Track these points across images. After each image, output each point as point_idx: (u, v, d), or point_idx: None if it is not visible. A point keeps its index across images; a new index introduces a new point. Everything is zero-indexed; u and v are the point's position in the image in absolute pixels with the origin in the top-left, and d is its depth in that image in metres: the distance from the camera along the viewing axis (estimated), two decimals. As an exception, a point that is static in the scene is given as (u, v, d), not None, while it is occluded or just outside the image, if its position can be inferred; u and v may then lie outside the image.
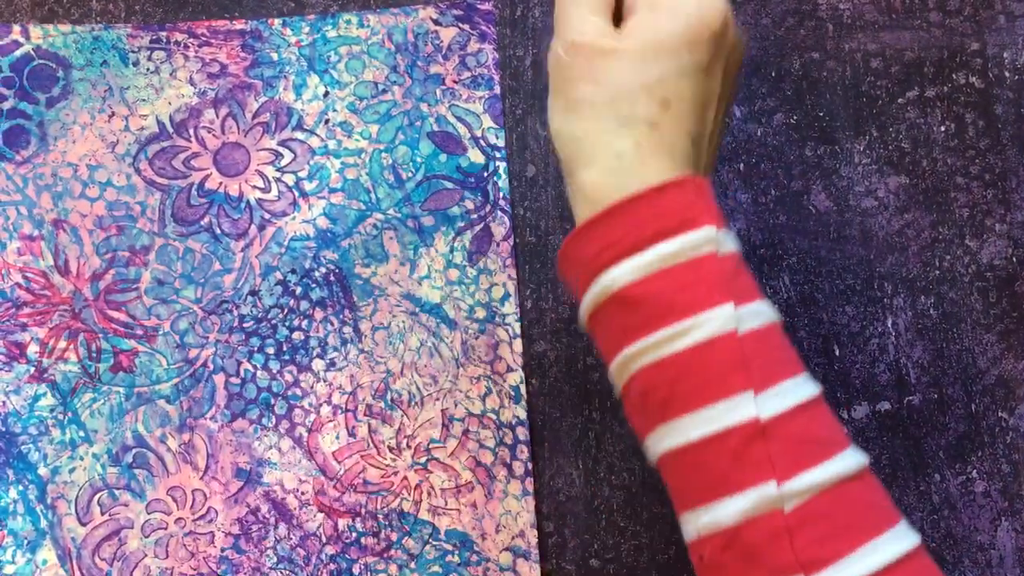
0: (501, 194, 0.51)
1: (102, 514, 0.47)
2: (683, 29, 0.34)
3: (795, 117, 0.52)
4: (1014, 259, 0.51)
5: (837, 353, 0.50)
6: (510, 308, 0.50)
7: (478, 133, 0.51)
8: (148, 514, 0.47)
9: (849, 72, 0.52)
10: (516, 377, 0.49)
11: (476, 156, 0.51)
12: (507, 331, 0.49)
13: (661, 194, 0.34)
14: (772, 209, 0.51)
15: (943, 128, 0.52)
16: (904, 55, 0.53)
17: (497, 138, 0.51)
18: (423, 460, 0.48)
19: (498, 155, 0.51)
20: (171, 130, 0.51)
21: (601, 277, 0.34)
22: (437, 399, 0.49)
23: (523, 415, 0.48)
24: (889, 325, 0.50)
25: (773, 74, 0.52)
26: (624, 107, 0.34)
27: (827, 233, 0.51)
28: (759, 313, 0.34)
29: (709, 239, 0.33)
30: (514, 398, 0.49)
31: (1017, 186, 0.51)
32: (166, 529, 0.47)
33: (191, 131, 0.51)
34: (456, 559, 0.47)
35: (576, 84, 0.35)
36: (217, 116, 0.51)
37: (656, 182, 0.34)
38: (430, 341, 0.49)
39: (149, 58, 0.51)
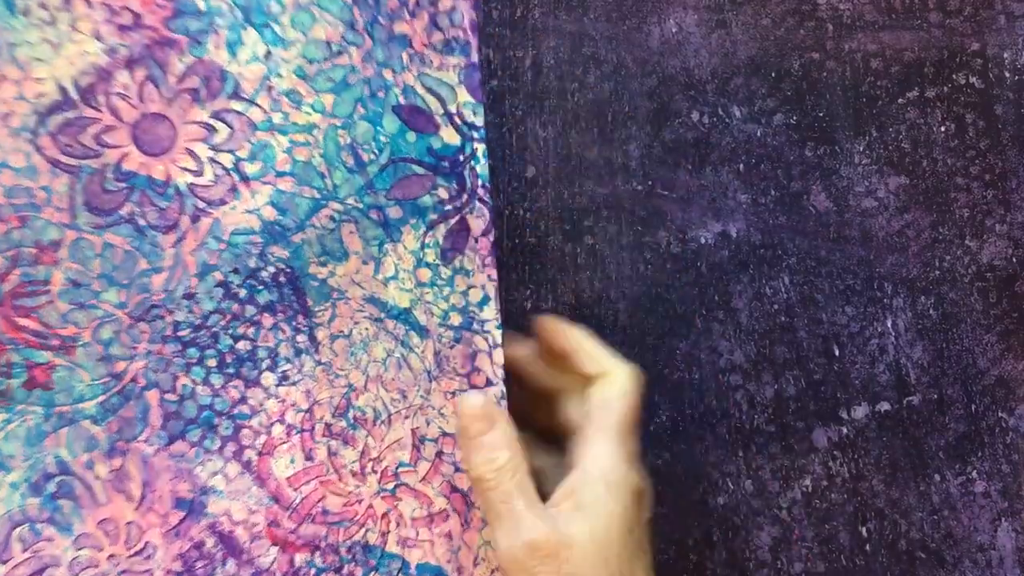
0: (480, 182, 0.43)
1: (23, 551, 0.41)
2: (624, 508, 0.38)
3: (795, 117, 0.52)
4: (1014, 259, 0.51)
5: (837, 353, 0.50)
6: (490, 313, 0.43)
7: (452, 108, 0.43)
8: (76, 550, 0.41)
9: (849, 72, 0.52)
10: (497, 391, 0.43)
11: (450, 136, 0.43)
12: (486, 340, 0.43)
13: None
14: (772, 209, 0.51)
15: (943, 128, 0.52)
16: (904, 55, 0.53)
17: (475, 115, 0.43)
18: (391, 486, 0.42)
19: (476, 135, 0.44)
20: (76, 97, 0.41)
21: None
22: (407, 417, 0.43)
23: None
24: (889, 325, 0.50)
25: (773, 74, 0.52)
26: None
27: (827, 233, 0.51)
28: None
29: None
30: None
31: (1017, 186, 0.51)
32: (97, 567, 0.41)
33: (101, 99, 0.42)
34: None
35: None
36: (133, 80, 0.42)
37: None
38: (398, 351, 0.43)
39: (42, 5, 0.41)
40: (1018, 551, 0.48)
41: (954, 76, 0.53)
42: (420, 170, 0.43)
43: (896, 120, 0.52)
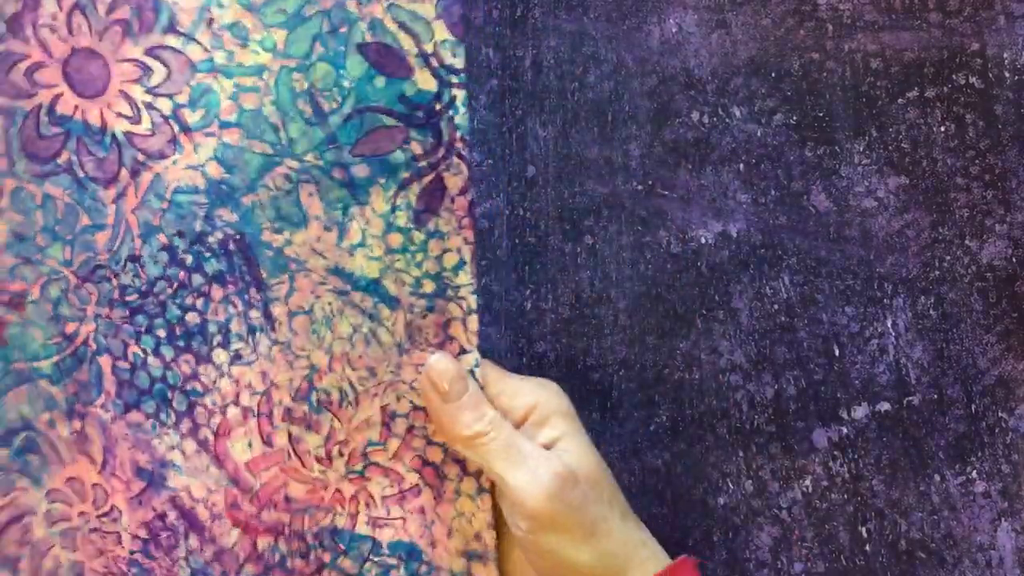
0: (458, 134, 0.38)
1: (3, 495, 0.40)
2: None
3: (795, 117, 0.52)
4: (1014, 259, 0.51)
5: (837, 353, 0.50)
6: (465, 278, 0.39)
7: (428, 48, 0.37)
8: (49, 503, 0.40)
9: (849, 72, 0.52)
10: (471, 359, 0.40)
11: (425, 80, 0.37)
12: (460, 306, 0.39)
13: None
14: (772, 209, 0.51)
15: (943, 128, 0.52)
16: (904, 55, 0.53)
17: (455, 56, 0.38)
18: (359, 467, 0.39)
19: (455, 80, 0.38)
20: (3, 30, 0.38)
21: None
22: (376, 395, 0.39)
23: None
24: (889, 325, 0.50)
25: (773, 75, 0.52)
26: (618, 505, 0.39)
27: (827, 233, 0.51)
28: None
29: None
30: None
31: (1017, 186, 0.51)
32: (70, 521, 0.40)
33: (29, 30, 0.37)
34: (402, 573, 0.40)
35: (583, 512, 0.37)
36: (60, 8, 0.37)
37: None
38: (366, 326, 0.39)
39: None
40: (1018, 551, 0.48)
41: (954, 76, 0.53)
42: (390, 121, 0.38)
43: (896, 120, 0.52)
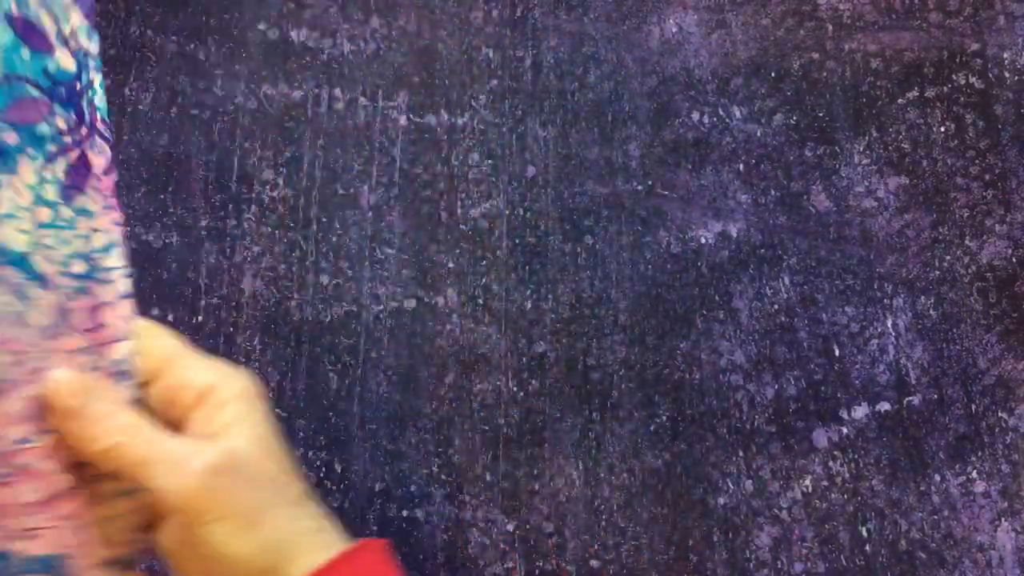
0: (99, 116, 0.38)
1: None
2: (260, 411, 0.37)
3: (795, 117, 0.52)
4: (1014, 259, 0.51)
5: (837, 353, 0.50)
6: (115, 260, 0.37)
7: (67, 30, 0.37)
8: None
9: (849, 73, 0.52)
10: (123, 349, 0.37)
11: (66, 60, 0.37)
12: (111, 290, 0.37)
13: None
14: (772, 209, 0.51)
15: (943, 128, 0.52)
16: (904, 55, 0.53)
17: (90, 41, 0.37)
18: (5, 472, 0.34)
19: (92, 64, 0.38)
20: None
21: None
22: (25, 384, 0.35)
23: (137, 395, 0.37)
24: (889, 325, 0.50)
25: (773, 75, 0.52)
26: (291, 491, 0.36)
27: (827, 233, 0.51)
28: None
29: None
30: (122, 376, 0.37)
31: (1017, 186, 0.51)
32: None
33: None
34: None
35: (242, 498, 0.35)
36: None
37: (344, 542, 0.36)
38: (15, 305, 0.35)
39: None
40: (1018, 551, 0.48)
41: (954, 76, 0.52)
42: (36, 93, 0.36)
43: (896, 120, 0.52)
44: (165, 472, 0.34)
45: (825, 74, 0.52)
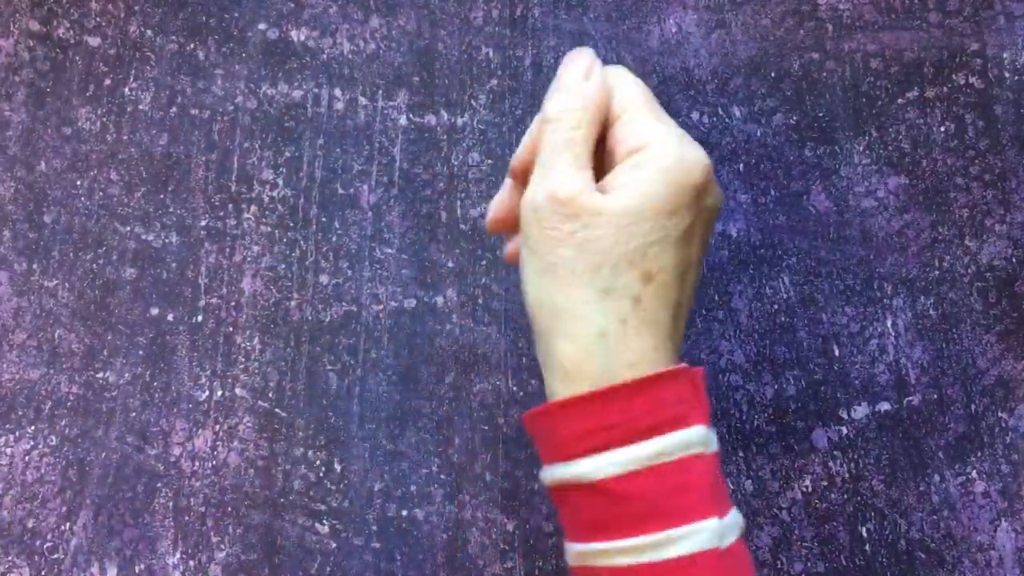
0: None
1: None
2: (669, 192, 0.33)
3: (795, 117, 0.52)
4: (1014, 259, 0.51)
5: (837, 353, 0.50)
6: None
7: None
8: None
9: (849, 72, 0.52)
10: None
11: None
12: None
13: (656, 386, 0.32)
14: (772, 209, 0.51)
15: (943, 128, 0.52)
16: (904, 55, 0.53)
17: None
18: None
19: None
20: None
21: (579, 463, 0.32)
22: None
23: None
24: (889, 325, 0.50)
25: (773, 74, 0.52)
26: (607, 278, 0.32)
27: (827, 233, 0.51)
28: (736, 525, 0.33)
29: (700, 439, 0.32)
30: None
31: (1017, 186, 0.51)
32: None
33: None
34: None
35: (556, 246, 0.33)
36: None
37: (643, 365, 0.32)
38: None
39: None
40: (1018, 551, 0.48)
41: (954, 76, 0.52)
42: None
43: (896, 120, 0.52)
44: (537, 177, 0.34)
45: (825, 74, 0.52)
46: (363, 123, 0.53)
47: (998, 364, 0.50)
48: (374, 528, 0.49)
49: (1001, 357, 0.50)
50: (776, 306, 0.50)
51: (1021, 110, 0.52)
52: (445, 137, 0.52)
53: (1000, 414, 0.49)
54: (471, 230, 0.51)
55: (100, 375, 0.51)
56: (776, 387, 0.50)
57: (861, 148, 0.52)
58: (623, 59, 0.52)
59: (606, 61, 0.52)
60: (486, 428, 0.50)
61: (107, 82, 0.53)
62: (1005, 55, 0.53)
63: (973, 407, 0.49)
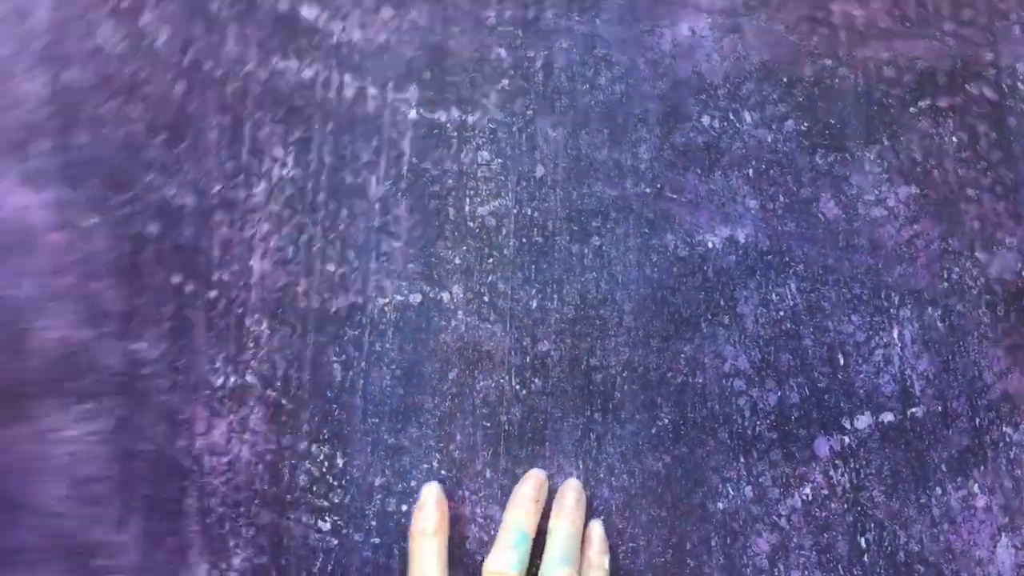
0: None
1: None
2: None
3: (806, 124, 0.52)
4: (1023, 273, 0.50)
5: (842, 362, 0.50)
6: None
7: None
8: None
9: (861, 80, 0.52)
10: None
11: None
12: None
13: None
14: (780, 216, 0.51)
15: (955, 139, 0.52)
16: (917, 64, 0.52)
17: None
18: None
19: None
20: None
21: None
22: None
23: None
24: (895, 336, 0.50)
25: (785, 80, 0.52)
26: None
27: (835, 241, 0.51)
28: None
29: None
30: None
31: (1028, 199, 0.51)
32: None
33: None
34: None
35: None
36: None
37: None
38: None
39: None
40: (1017, 567, 0.48)
41: (967, 86, 0.52)
42: None
43: (908, 129, 0.52)
44: None
45: (838, 81, 0.52)
46: (372, 113, 0.53)
47: (1004, 379, 0.49)
48: (373, 523, 0.49)
49: (1008, 371, 0.49)
50: (782, 313, 0.50)
51: (1036, 123, 0.52)
52: (455, 134, 0.53)
53: (1005, 429, 0.49)
54: (479, 228, 0.52)
55: (134, 347, 0.51)
56: (780, 394, 0.50)
57: (872, 156, 0.51)
58: (635, 62, 0.52)
59: (618, 64, 0.52)
60: (488, 425, 0.50)
61: (124, 3, 0.54)
62: (1019, 67, 0.52)
63: (977, 421, 0.49)
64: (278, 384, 0.51)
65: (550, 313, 0.50)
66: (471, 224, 0.52)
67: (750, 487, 0.49)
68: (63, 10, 0.55)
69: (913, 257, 0.51)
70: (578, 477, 0.49)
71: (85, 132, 0.53)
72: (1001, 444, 0.49)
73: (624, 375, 0.50)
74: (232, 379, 0.51)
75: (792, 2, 0.53)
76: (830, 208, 0.51)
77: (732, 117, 0.51)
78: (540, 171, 0.51)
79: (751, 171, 0.51)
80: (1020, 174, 0.51)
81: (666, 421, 0.50)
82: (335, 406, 0.50)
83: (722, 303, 0.50)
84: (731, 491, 0.49)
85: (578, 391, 0.50)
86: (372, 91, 0.53)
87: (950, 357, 0.50)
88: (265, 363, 0.51)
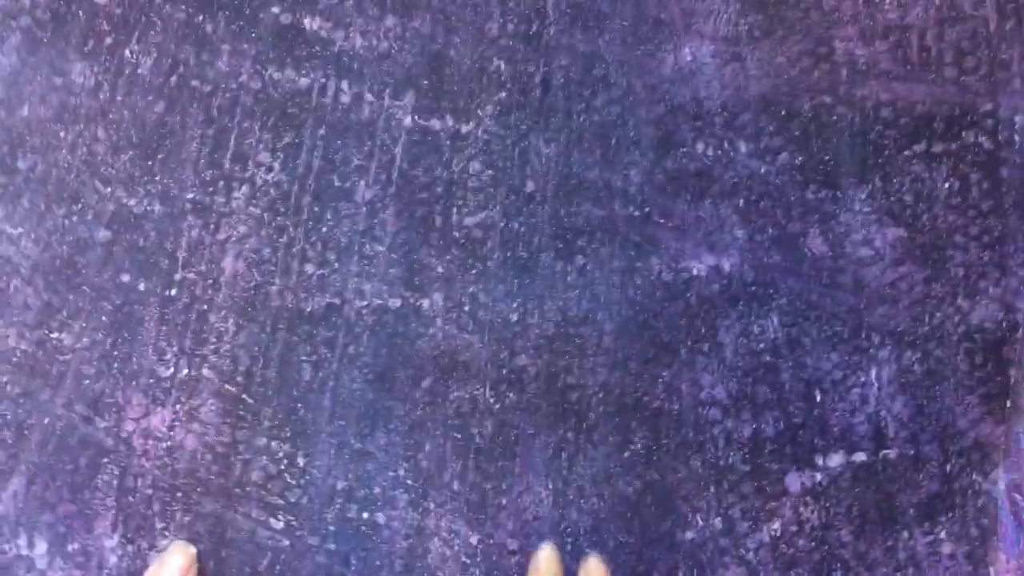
0: None
1: None
2: None
3: (800, 158, 0.52)
4: (1004, 324, 0.50)
5: (818, 399, 0.50)
6: None
7: None
8: None
9: (858, 119, 0.52)
10: None
11: None
12: None
13: None
14: (767, 248, 0.51)
15: (947, 185, 0.52)
16: (915, 107, 0.52)
17: None
18: None
19: None
20: None
21: None
22: None
23: None
24: (872, 376, 0.50)
25: (783, 113, 0.52)
26: None
27: (820, 278, 0.51)
28: None
29: None
30: None
31: (1015, 251, 0.51)
32: None
33: None
34: None
35: None
36: None
37: None
38: None
39: None
40: (978, 617, 0.48)
41: (964, 134, 0.52)
42: None
43: (901, 172, 0.52)
44: None
45: (835, 118, 0.52)
46: (367, 119, 0.52)
47: (977, 426, 0.49)
48: (331, 528, 0.49)
49: (981, 420, 0.50)
50: (762, 345, 0.50)
51: (1027, 174, 0.52)
52: (448, 143, 0.52)
53: (975, 476, 0.49)
54: (464, 238, 0.51)
55: (55, 335, 0.50)
56: (754, 426, 0.49)
57: (863, 196, 0.51)
58: (633, 85, 0.52)
59: (616, 86, 0.51)
60: (459, 437, 0.49)
61: (108, 41, 0.53)
62: (1017, 118, 0.52)
63: (948, 467, 0.49)
64: (239, 379, 0.50)
65: (530, 328, 0.50)
66: (456, 234, 0.51)
67: (719, 518, 0.49)
68: (33, 56, 0.54)
69: (896, 299, 0.51)
70: (547, 496, 0.48)
71: (33, 158, 0.52)
72: (970, 492, 0.49)
73: (600, 396, 0.50)
74: (185, 371, 0.50)
75: (795, 36, 0.52)
76: (817, 244, 0.51)
77: (727, 146, 0.51)
78: (530, 186, 0.51)
79: (741, 201, 0.51)
80: (1008, 226, 0.51)
81: (639, 445, 0.49)
82: (300, 405, 0.50)
83: (703, 331, 0.50)
84: (700, 521, 0.49)
85: (552, 408, 0.49)
86: (369, 97, 0.53)
87: (925, 401, 0.50)
88: (227, 358, 0.50)
